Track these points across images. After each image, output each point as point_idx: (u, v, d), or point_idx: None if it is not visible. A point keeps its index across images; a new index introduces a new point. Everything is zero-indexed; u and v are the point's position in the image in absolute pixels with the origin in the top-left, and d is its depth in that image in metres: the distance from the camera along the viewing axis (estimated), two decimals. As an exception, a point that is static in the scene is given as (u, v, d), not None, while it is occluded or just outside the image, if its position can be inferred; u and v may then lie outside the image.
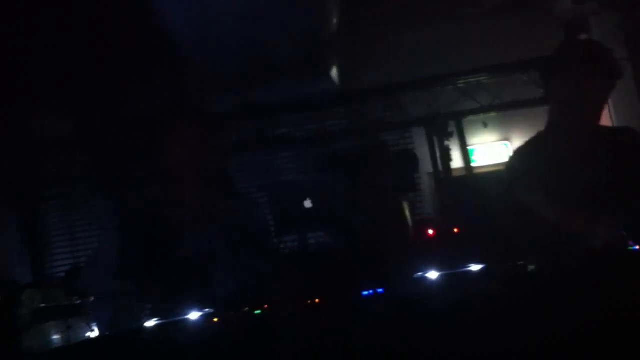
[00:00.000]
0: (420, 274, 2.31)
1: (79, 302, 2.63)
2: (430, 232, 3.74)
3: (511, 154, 3.03)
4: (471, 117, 7.04)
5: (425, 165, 7.27)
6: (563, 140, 2.70)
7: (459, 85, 6.88)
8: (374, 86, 6.99)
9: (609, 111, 2.96)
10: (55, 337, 2.40)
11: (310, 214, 4.39)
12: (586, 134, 2.71)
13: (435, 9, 6.88)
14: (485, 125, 7.45)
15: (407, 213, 4.19)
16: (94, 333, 2.56)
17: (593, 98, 2.69)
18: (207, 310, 2.38)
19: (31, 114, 6.40)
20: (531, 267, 1.90)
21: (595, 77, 2.65)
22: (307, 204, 4.66)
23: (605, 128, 2.87)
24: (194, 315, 2.36)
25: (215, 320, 2.24)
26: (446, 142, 6.68)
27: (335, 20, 6.38)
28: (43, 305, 2.53)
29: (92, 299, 2.73)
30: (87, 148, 6.58)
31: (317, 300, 2.12)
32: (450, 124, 6.76)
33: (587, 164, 2.58)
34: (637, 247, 1.87)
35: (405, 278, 2.31)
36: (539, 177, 2.61)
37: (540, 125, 2.96)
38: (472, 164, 7.23)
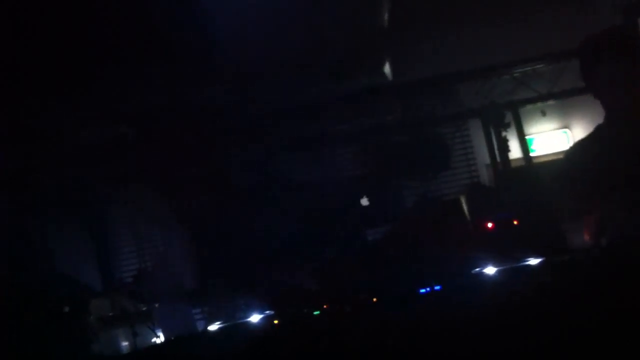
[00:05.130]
0: (478, 269, 2.30)
1: (144, 308, 2.71)
2: (490, 225, 3.68)
3: (571, 144, 2.98)
4: (529, 106, 6.91)
5: (483, 157, 7.18)
6: (621, 131, 2.65)
7: (514, 75, 6.76)
8: (427, 78, 6.91)
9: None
10: (123, 343, 2.48)
11: (367, 211, 4.39)
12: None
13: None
14: (543, 113, 7.28)
15: (465, 208, 4.14)
16: (160, 338, 2.64)
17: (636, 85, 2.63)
18: (267, 312, 2.42)
19: (87, 119, 6.47)
20: (588, 259, 1.88)
21: (634, 63, 2.59)
22: (364, 201, 4.65)
23: None
24: (254, 318, 2.41)
25: (276, 322, 2.28)
26: (503, 133, 6.57)
27: (387, 14, 6.35)
28: (111, 313, 2.62)
29: (157, 305, 2.81)
30: (146, 152, 6.66)
31: (374, 299, 2.13)
32: (507, 114, 6.66)
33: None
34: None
35: (463, 274, 2.30)
36: (599, 169, 2.57)
37: (599, 112, 2.90)
38: (532, 154, 7.10)
